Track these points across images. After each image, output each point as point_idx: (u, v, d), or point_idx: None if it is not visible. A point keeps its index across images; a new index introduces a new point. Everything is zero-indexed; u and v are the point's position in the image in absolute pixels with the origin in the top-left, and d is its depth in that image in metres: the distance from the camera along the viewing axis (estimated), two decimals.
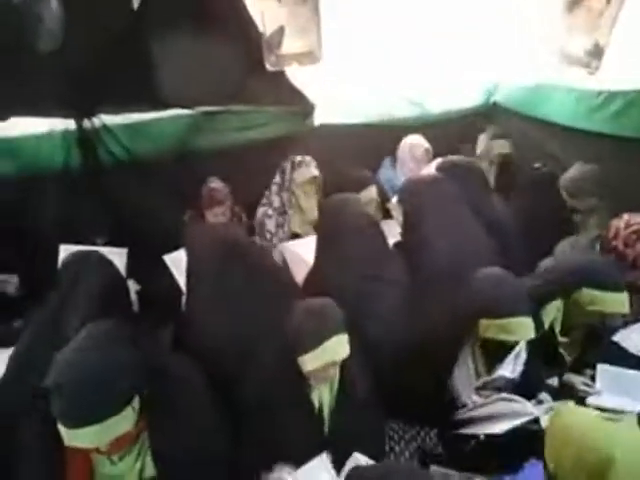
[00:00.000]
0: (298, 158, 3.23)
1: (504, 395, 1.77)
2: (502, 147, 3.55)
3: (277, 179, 3.24)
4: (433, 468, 1.79)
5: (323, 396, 1.76)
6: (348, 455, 1.69)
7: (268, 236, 3.13)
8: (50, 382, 1.36)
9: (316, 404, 1.75)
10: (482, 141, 3.73)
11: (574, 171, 2.96)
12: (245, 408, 1.79)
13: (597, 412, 1.43)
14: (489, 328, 1.78)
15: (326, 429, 1.77)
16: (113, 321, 1.57)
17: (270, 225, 3.15)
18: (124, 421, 1.36)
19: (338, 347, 1.65)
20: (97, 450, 1.39)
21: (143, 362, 1.47)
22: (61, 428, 1.32)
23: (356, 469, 1.32)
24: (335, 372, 1.72)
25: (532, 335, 1.77)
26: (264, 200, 3.24)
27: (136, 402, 1.41)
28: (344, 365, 1.75)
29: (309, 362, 1.63)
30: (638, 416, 1.73)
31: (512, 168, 3.54)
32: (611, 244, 2.30)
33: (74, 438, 1.32)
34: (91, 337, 1.47)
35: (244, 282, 2.08)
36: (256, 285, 2.10)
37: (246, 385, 1.81)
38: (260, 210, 3.21)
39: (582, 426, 1.36)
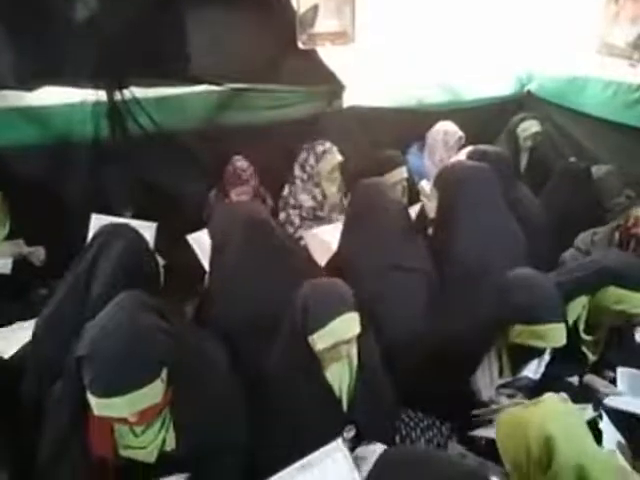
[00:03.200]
0: (319, 148, 3.12)
1: (521, 401, 1.76)
2: (532, 126, 3.47)
3: (298, 173, 3.15)
4: (451, 444, 1.81)
5: (342, 375, 1.76)
6: (366, 433, 1.72)
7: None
8: (81, 351, 1.37)
9: (334, 383, 1.74)
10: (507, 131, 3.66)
11: (595, 173, 2.93)
12: (263, 385, 1.80)
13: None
14: (522, 333, 1.74)
15: (345, 407, 1.77)
16: (142, 293, 1.58)
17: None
18: (153, 392, 1.38)
19: (347, 326, 1.63)
20: (124, 420, 1.40)
21: (171, 335, 1.48)
22: (91, 397, 1.34)
23: (386, 454, 1.31)
24: (348, 350, 1.70)
25: (564, 342, 1.73)
26: (290, 201, 3.15)
27: (164, 374, 1.43)
28: (361, 346, 1.74)
29: (318, 341, 1.62)
30: None
31: (543, 152, 3.49)
32: (631, 231, 2.25)
33: (104, 407, 1.33)
34: (122, 308, 1.47)
35: (267, 260, 2.09)
36: (279, 264, 2.10)
37: (263, 363, 1.82)
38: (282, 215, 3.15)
39: (519, 420, 1.38)
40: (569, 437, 1.29)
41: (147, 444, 1.51)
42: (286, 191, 3.18)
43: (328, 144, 3.14)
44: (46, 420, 1.56)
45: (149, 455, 1.52)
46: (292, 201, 3.14)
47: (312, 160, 3.11)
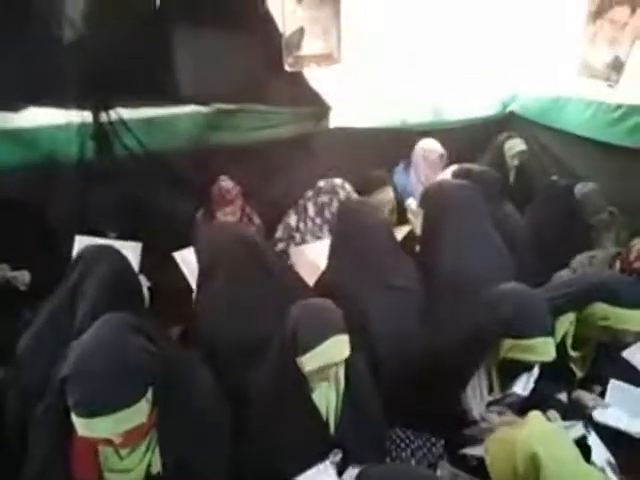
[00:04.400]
0: (342, 193, 3.05)
1: (512, 418, 1.76)
2: (518, 145, 3.55)
3: (312, 214, 3.06)
4: (442, 463, 1.79)
5: (329, 397, 1.75)
6: (354, 456, 1.69)
7: None
8: (66, 371, 1.35)
9: (321, 405, 1.73)
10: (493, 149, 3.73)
11: (579, 190, 2.97)
12: (249, 407, 1.78)
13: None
14: (512, 348, 1.73)
15: (332, 430, 1.75)
16: (127, 313, 1.56)
17: None
18: (138, 412, 1.36)
19: (336, 348, 1.62)
20: (109, 442, 1.38)
21: (156, 356, 1.46)
22: (75, 418, 1.31)
23: (365, 471, 1.30)
24: (336, 372, 1.70)
25: (554, 355, 1.72)
26: (296, 237, 3.05)
27: (150, 394, 1.41)
28: (349, 366, 1.73)
29: (307, 363, 1.61)
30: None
31: (529, 170, 3.57)
32: (633, 266, 2.27)
33: (89, 428, 1.31)
34: (107, 328, 1.46)
35: (254, 281, 2.08)
36: (266, 284, 2.10)
37: (250, 385, 1.81)
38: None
39: (506, 440, 1.39)
40: (554, 455, 1.29)
41: (132, 467, 1.48)
42: (293, 222, 3.10)
43: (347, 186, 3.09)
44: (29, 444, 1.53)
45: (134, 478, 1.49)
46: (298, 238, 3.07)
47: (334, 207, 3.03)
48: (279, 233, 3.11)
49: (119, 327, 1.47)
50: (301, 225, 3.09)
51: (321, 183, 3.11)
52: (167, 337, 2.21)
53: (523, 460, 1.30)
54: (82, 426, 1.31)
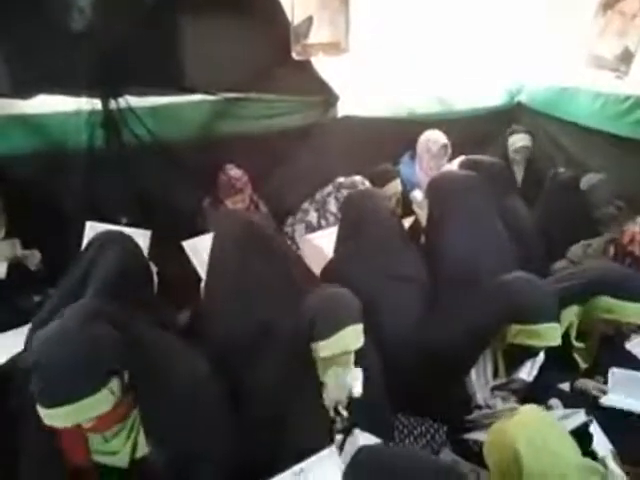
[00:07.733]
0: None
1: (516, 406, 1.77)
2: (520, 140, 3.56)
3: (334, 210, 3.06)
4: (445, 451, 1.82)
5: None
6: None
7: None
8: (30, 361, 1.36)
9: None
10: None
11: (587, 182, 2.97)
12: (256, 391, 1.80)
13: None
14: (519, 333, 1.75)
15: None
16: (96, 300, 1.56)
17: None
18: (99, 403, 1.34)
19: (353, 337, 1.64)
20: (80, 427, 1.38)
21: (124, 342, 1.44)
22: (39, 408, 1.32)
23: (361, 451, 1.32)
24: (347, 360, 1.71)
25: (559, 341, 1.75)
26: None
27: (114, 384, 1.39)
28: (357, 353, 1.74)
29: (323, 350, 1.62)
30: None
31: (535, 165, 3.58)
32: (627, 249, 2.28)
33: (49, 418, 1.32)
34: (70, 317, 1.44)
35: (264, 270, 2.09)
36: (276, 273, 2.11)
37: (257, 370, 1.82)
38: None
39: (500, 430, 1.39)
40: (536, 449, 1.28)
41: (118, 449, 1.50)
42: (314, 220, 3.12)
43: (367, 183, 3.09)
44: (19, 426, 1.54)
45: (121, 460, 1.51)
46: None
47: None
48: (300, 232, 3.11)
49: (81, 316, 1.45)
50: (322, 222, 3.09)
51: (341, 179, 3.13)
52: (174, 320, 2.22)
53: (507, 454, 1.31)
54: (45, 416, 1.32)
